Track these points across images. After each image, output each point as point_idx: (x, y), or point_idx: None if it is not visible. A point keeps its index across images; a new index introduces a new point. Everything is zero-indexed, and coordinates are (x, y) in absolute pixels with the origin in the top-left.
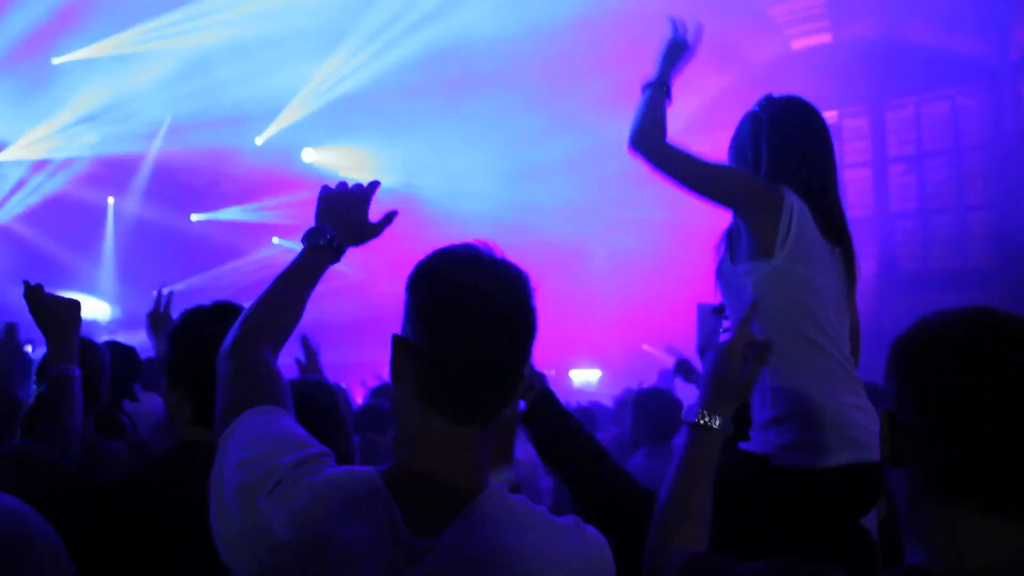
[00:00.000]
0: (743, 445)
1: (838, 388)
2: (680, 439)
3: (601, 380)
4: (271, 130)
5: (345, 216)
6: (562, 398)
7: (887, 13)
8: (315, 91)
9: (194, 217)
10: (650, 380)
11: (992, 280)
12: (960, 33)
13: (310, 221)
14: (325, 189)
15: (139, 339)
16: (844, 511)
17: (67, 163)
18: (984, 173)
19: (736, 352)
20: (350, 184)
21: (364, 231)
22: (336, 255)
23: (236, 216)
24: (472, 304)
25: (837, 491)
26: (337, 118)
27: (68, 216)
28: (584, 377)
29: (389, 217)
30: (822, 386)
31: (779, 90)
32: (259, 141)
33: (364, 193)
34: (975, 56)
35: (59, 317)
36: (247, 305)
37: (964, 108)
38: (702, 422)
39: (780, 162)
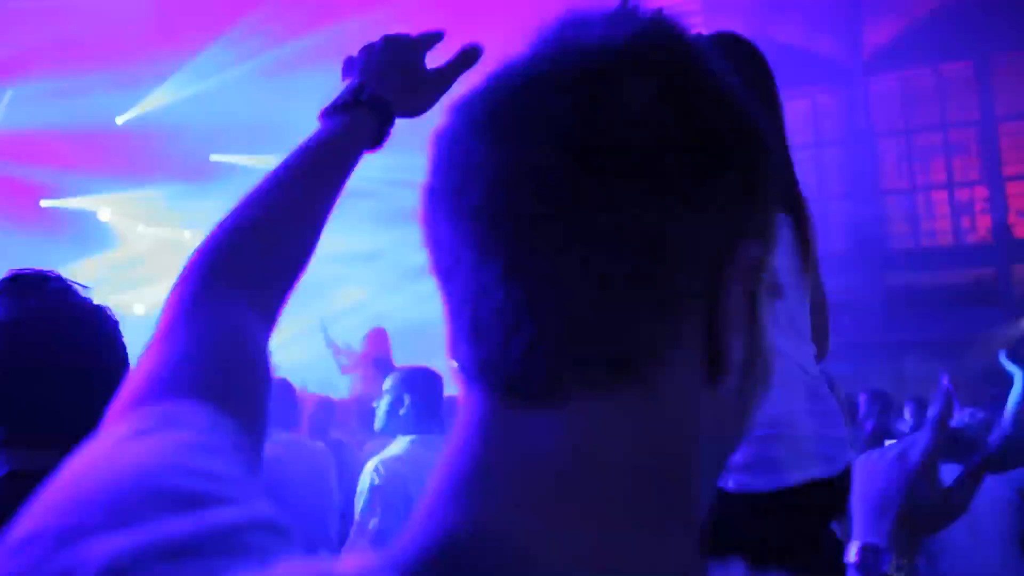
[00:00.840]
0: None
1: (793, 393)
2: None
3: None
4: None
5: (395, 68)
6: None
7: (757, 14)
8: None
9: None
10: None
11: (852, 264)
12: (819, 34)
13: None
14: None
15: None
16: (802, 531)
17: None
18: (841, 166)
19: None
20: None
21: (424, 88)
22: (381, 121)
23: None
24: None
25: (793, 512)
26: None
27: None
28: None
29: (467, 58)
30: (774, 391)
31: None
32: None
33: (424, 39)
34: (832, 57)
35: None
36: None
37: (823, 105)
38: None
39: None
